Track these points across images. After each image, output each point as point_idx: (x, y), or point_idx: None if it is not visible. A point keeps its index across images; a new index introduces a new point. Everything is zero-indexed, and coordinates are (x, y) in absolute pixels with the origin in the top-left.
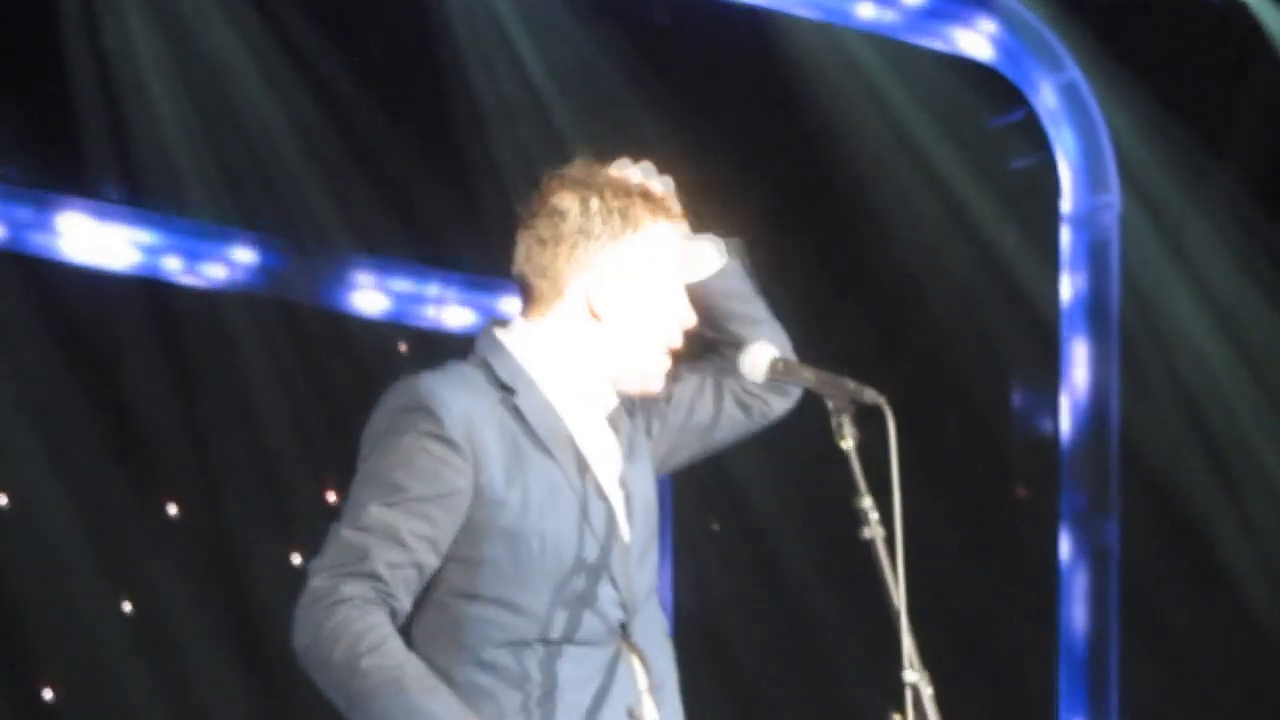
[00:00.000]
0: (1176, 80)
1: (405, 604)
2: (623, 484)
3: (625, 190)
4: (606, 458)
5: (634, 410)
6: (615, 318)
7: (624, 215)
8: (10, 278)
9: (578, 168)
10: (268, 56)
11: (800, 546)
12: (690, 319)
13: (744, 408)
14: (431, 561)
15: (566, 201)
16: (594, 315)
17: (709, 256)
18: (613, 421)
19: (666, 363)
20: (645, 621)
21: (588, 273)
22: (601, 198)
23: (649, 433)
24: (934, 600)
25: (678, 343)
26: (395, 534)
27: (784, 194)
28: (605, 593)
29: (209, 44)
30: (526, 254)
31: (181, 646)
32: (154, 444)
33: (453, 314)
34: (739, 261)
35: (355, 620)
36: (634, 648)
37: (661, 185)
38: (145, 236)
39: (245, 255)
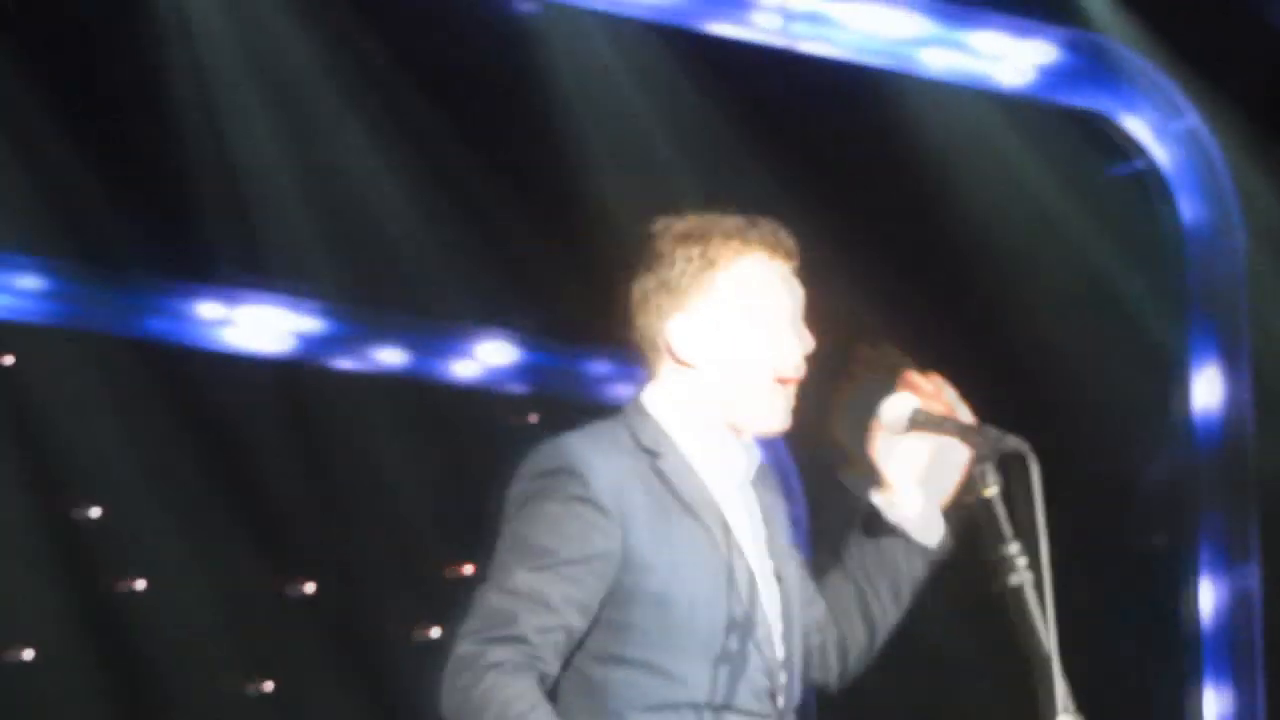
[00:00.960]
0: None
1: (554, 668)
2: (769, 551)
3: (707, 231)
4: (751, 521)
5: (781, 497)
6: (703, 361)
7: (704, 257)
8: (153, 367)
9: (665, 220)
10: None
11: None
12: (804, 349)
13: (822, 655)
14: (580, 625)
15: (649, 255)
16: (681, 363)
17: (897, 419)
18: (756, 489)
19: (781, 399)
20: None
21: (673, 323)
22: (682, 244)
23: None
24: (1073, 655)
25: (790, 374)
26: (543, 598)
27: (909, 255)
28: (754, 662)
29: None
30: (631, 316)
31: None
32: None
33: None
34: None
35: (504, 686)
36: None
37: (754, 223)
38: (287, 323)
39: (391, 354)
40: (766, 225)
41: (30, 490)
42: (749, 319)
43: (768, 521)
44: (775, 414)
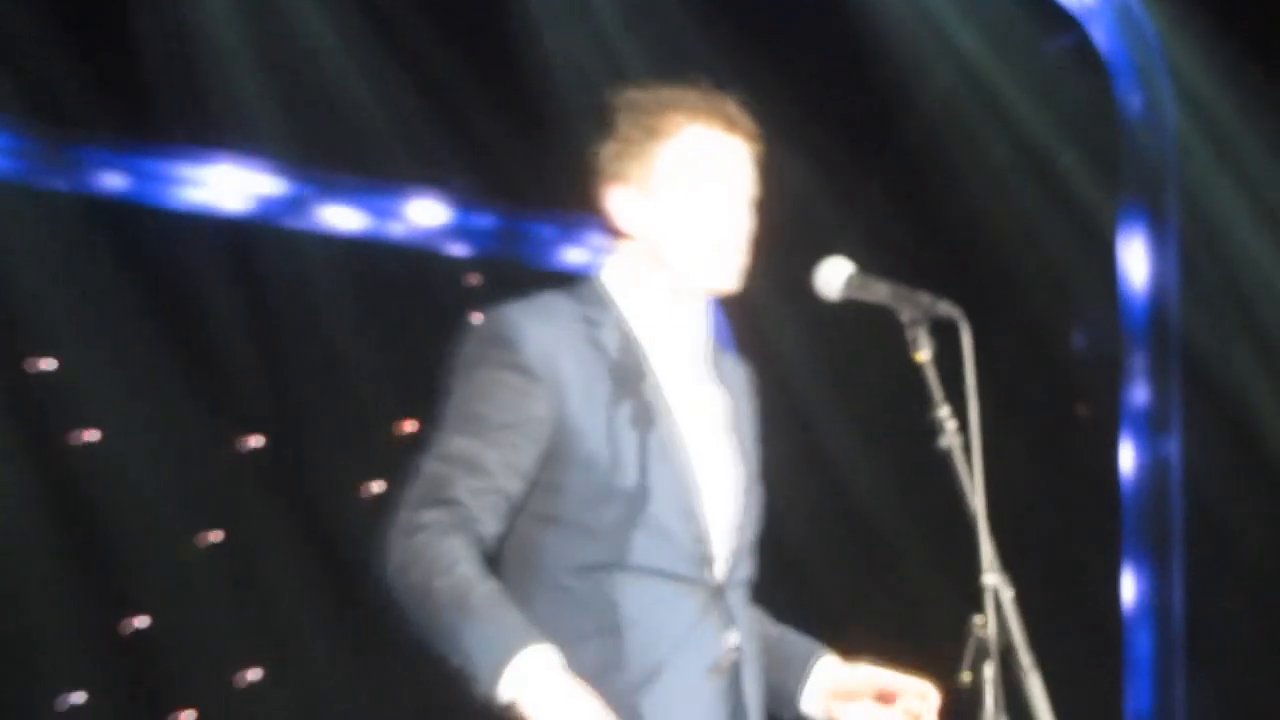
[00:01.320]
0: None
1: (492, 529)
2: (727, 430)
3: (656, 101)
4: (701, 402)
5: (749, 401)
6: (651, 234)
7: (648, 126)
8: (107, 224)
9: (623, 98)
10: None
11: (871, 460)
12: (746, 222)
13: None
14: (516, 488)
15: (600, 124)
16: (631, 237)
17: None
18: (719, 370)
19: (726, 260)
20: (738, 597)
21: (618, 193)
22: (629, 113)
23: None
24: (1002, 511)
25: (734, 241)
26: (477, 462)
27: (856, 129)
28: (682, 528)
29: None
30: (594, 183)
31: (264, 574)
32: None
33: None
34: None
35: (431, 545)
36: (723, 602)
37: (707, 94)
38: (239, 182)
39: (339, 216)
40: (719, 98)
41: None
42: (688, 191)
43: (729, 403)
44: (724, 274)
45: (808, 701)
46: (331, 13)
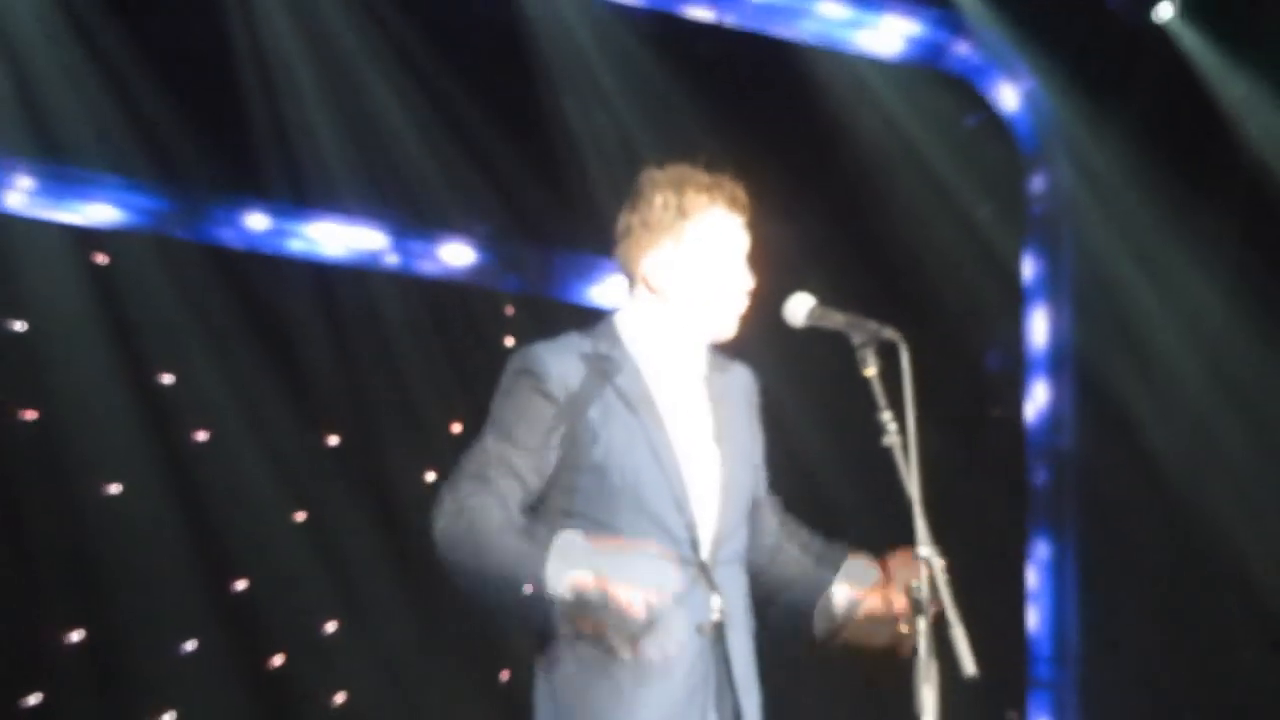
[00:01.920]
0: (1115, 86)
1: (512, 508)
2: (716, 439)
3: (682, 184)
4: (695, 410)
5: (744, 399)
6: (673, 291)
7: (677, 209)
8: (215, 265)
9: (650, 171)
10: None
11: (828, 454)
12: (748, 284)
13: (758, 553)
14: (535, 485)
15: (635, 196)
16: (654, 291)
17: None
18: (713, 379)
19: (730, 314)
20: (727, 573)
21: (649, 257)
22: (661, 192)
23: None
24: (932, 495)
25: (740, 301)
26: (506, 459)
27: (810, 184)
28: (673, 518)
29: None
30: (618, 250)
31: (341, 545)
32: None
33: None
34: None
35: (469, 510)
36: (708, 576)
37: (719, 183)
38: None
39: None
40: (729, 184)
41: (118, 361)
42: (709, 259)
43: (719, 417)
44: (726, 325)
45: (838, 606)
46: (394, 84)
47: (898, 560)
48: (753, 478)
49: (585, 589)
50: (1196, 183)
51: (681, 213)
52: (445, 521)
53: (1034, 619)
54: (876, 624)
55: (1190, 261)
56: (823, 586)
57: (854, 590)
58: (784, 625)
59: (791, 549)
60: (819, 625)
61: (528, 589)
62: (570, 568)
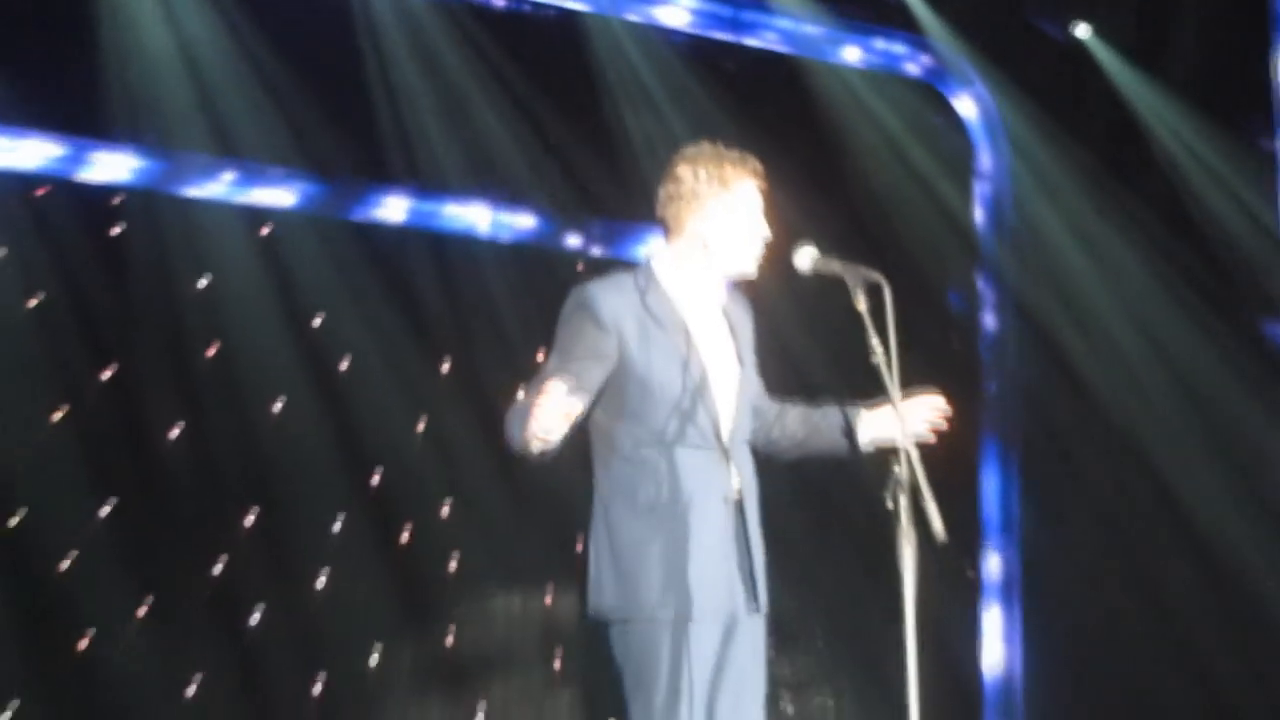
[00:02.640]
0: (1045, 89)
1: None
2: (730, 352)
3: (720, 161)
4: (715, 332)
5: (748, 324)
6: (716, 244)
7: (720, 179)
8: (360, 241)
9: (692, 148)
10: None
11: (829, 370)
12: (767, 237)
13: (767, 429)
14: (587, 390)
15: (683, 171)
16: (704, 245)
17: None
18: (726, 313)
19: (756, 259)
20: (740, 454)
21: (697, 216)
22: (705, 168)
23: (749, 343)
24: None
25: (762, 247)
26: (562, 370)
27: (810, 168)
28: (701, 414)
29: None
30: (662, 206)
31: (453, 446)
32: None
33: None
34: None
35: (524, 400)
36: (729, 456)
37: (746, 159)
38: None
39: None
40: (752, 159)
41: (279, 307)
42: (743, 216)
43: (734, 335)
44: (751, 266)
45: (863, 434)
46: (489, 95)
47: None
48: (756, 381)
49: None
50: (1118, 168)
51: (723, 182)
52: (508, 422)
53: (988, 497)
54: (890, 426)
55: (1114, 229)
56: (837, 418)
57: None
58: (823, 454)
59: (794, 412)
60: (862, 435)
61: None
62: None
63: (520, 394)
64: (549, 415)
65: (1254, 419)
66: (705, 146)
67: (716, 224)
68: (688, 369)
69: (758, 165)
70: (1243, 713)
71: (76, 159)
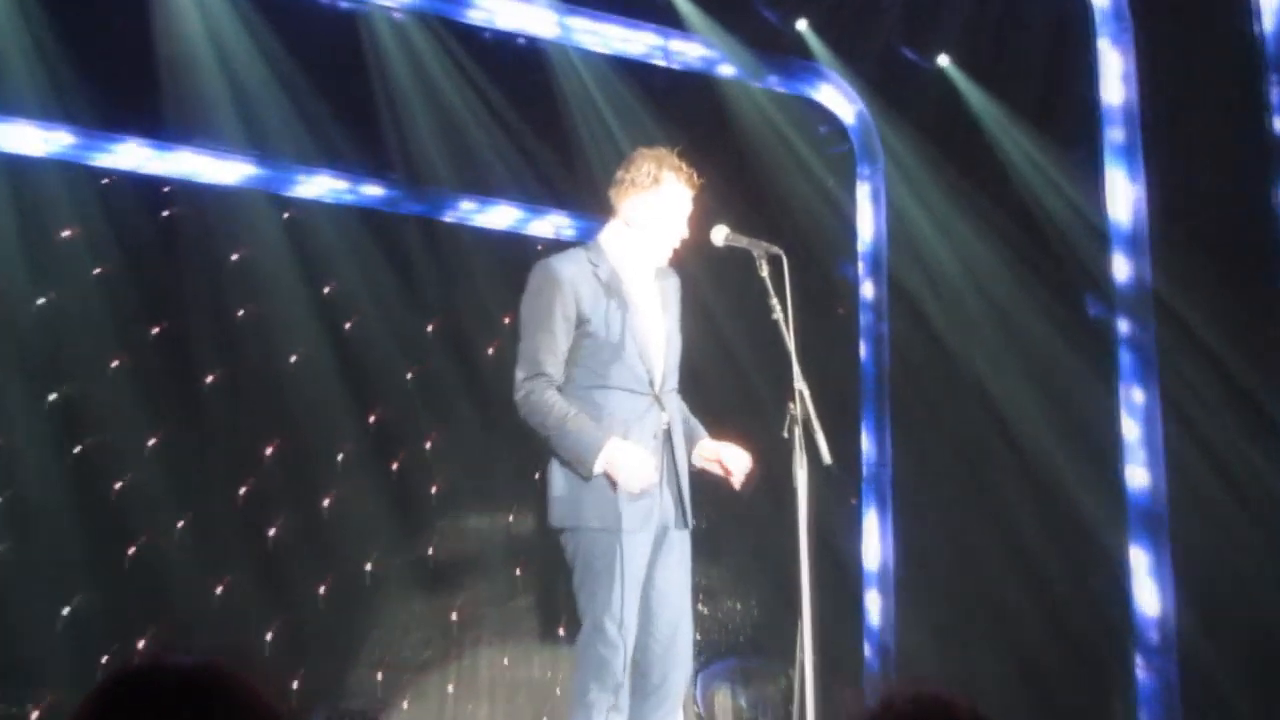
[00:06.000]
0: (912, 108)
1: (559, 377)
2: (662, 315)
3: (662, 164)
4: (649, 298)
5: (676, 292)
6: (644, 226)
7: (654, 178)
8: (406, 231)
9: (650, 148)
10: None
11: (736, 329)
12: (683, 236)
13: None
14: (564, 352)
15: (632, 163)
16: (629, 224)
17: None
18: (659, 280)
19: (669, 251)
20: (669, 399)
21: (631, 202)
22: (648, 165)
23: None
24: (800, 351)
25: (675, 244)
26: (548, 345)
27: (722, 165)
28: (636, 363)
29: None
30: (610, 188)
31: (439, 387)
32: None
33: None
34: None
35: (542, 400)
36: (659, 401)
37: (685, 169)
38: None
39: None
40: (689, 170)
41: (297, 275)
42: (666, 212)
43: (663, 301)
44: (664, 255)
45: (696, 459)
46: (468, 102)
47: (733, 453)
48: (680, 340)
49: (607, 469)
50: (971, 170)
51: (656, 181)
52: (520, 396)
53: (865, 430)
54: (709, 462)
55: (968, 219)
56: (694, 432)
57: (703, 453)
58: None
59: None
60: (694, 455)
61: (580, 466)
62: (598, 457)
63: (571, 421)
64: (646, 478)
65: (1077, 369)
66: (660, 150)
67: (642, 213)
68: (627, 327)
69: (695, 178)
70: (1056, 583)
71: (133, 154)
